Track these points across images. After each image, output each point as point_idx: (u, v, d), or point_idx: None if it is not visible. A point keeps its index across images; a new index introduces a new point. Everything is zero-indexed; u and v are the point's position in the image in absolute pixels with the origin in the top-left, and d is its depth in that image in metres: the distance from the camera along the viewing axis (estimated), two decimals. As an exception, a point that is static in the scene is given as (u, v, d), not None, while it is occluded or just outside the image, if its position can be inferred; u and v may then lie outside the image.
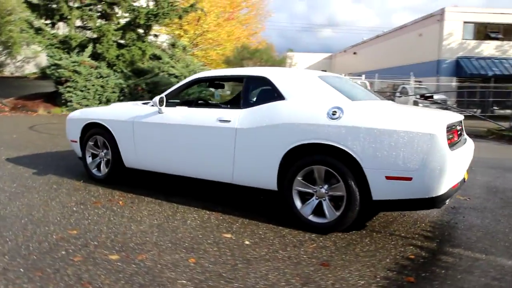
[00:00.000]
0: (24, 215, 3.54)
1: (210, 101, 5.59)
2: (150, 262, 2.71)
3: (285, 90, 3.58)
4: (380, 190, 3.10)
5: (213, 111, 3.92)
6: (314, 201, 3.39)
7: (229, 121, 3.70)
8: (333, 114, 3.23)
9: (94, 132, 4.75)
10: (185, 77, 18.54)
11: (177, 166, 4.13)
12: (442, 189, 2.98)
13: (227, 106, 4.14)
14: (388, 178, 3.05)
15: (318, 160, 3.30)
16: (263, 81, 3.79)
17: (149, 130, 4.22)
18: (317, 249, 3.01)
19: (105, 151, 4.75)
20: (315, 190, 3.38)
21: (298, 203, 3.43)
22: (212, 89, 10.04)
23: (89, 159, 4.87)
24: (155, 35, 19.83)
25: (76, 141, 4.99)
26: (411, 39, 28.80)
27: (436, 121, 3.01)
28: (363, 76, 23.43)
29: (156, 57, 18.69)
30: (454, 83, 23.61)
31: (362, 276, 2.60)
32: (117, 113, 4.57)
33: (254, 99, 3.83)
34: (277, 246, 3.06)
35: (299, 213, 3.42)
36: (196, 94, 12.52)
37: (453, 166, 2.97)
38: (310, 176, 3.39)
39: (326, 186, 3.34)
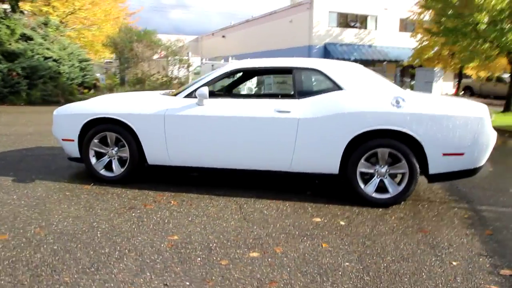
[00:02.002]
0: (101, 231, 3.11)
1: (247, 93, 5.44)
2: (293, 253, 2.78)
3: (341, 81, 3.87)
4: (436, 165, 3.71)
5: (265, 102, 3.97)
6: (376, 180, 3.82)
7: (289, 111, 3.82)
8: (397, 103, 3.68)
9: (103, 128, 4.24)
10: (64, 61, 16.67)
11: (223, 159, 4.05)
12: (483, 161, 3.74)
13: (277, 96, 4.19)
14: (444, 154, 3.67)
15: (383, 144, 3.72)
16: (315, 72, 4.00)
17: (188, 123, 4.01)
18: (400, 219, 3.47)
19: (115, 149, 4.30)
20: (376, 170, 3.81)
21: (361, 183, 3.82)
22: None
23: (93, 159, 4.34)
24: (22, 12, 17.10)
25: (72, 140, 4.37)
26: (282, 25, 30.82)
27: (481, 107, 3.72)
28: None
29: (26, 38, 16.26)
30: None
31: (453, 235, 3.17)
32: (138, 106, 4.17)
33: (308, 89, 4.00)
34: (370, 222, 3.41)
35: (363, 192, 3.81)
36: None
37: (494, 142, 3.74)
38: (370, 159, 3.80)
39: (386, 166, 3.80)
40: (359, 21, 28.90)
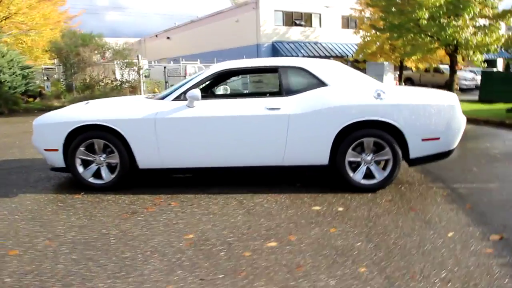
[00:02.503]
0: (113, 237, 3.10)
1: (232, 93, 5.46)
2: (307, 239, 2.97)
3: (325, 78, 4.11)
4: (416, 150, 4.06)
5: (254, 101, 4.11)
6: (363, 168, 4.11)
7: (279, 108, 4.00)
8: (378, 95, 3.99)
9: (90, 135, 4.17)
10: (4, 69, 15.68)
11: (218, 158, 4.15)
12: (456, 143, 4.15)
13: (265, 95, 4.34)
14: (423, 140, 4.03)
15: (368, 134, 4.01)
16: (300, 70, 4.20)
17: (180, 126, 4.05)
18: (390, 202, 3.78)
19: (103, 155, 4.25)
20: (362, 158, 4.10)
21: (350, 172, 4.09)
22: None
23: (80, 168, 4.25)
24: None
25: (55, 150, 4.24)
26: (229, 25, 30.94)
27: (451, 96, 4.12)
28: (198, 60, 24.27)
29: (-42, 45, 15.18)
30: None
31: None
32: (126, 112, 4.15)
33: (294, 87, 4.18)
34: (364, 206, 3.68)
35: (352, 180, 4.08)
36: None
37: (464, 126, 4.16)
38: (356, 148, 4.08)
39: (372, 154, 4.10)
40: (304, 19, 29.76)
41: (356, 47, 27.54)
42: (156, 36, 45.06)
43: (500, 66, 32.31)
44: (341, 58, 28.50)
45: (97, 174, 4.28)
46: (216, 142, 4.08)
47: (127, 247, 2.87)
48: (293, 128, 3.99)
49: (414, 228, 3.16)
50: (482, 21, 13.52)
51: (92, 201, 3.93)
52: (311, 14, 29.92)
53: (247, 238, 3.02)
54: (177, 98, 4.16)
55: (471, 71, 25.15)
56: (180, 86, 4.29)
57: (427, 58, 20.03)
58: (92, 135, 4.18)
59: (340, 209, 3.64)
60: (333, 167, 4.11)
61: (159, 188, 4.31)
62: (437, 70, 24.95)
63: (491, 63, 28.30)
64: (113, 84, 18.33)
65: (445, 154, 4.18)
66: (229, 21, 30.86)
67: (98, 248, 2.87)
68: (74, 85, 18.34)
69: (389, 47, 23.30)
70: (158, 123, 4.06)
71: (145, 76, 19.86)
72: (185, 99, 4.13)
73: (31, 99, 16.89)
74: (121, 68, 18.41)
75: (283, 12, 28.92)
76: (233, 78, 5.36)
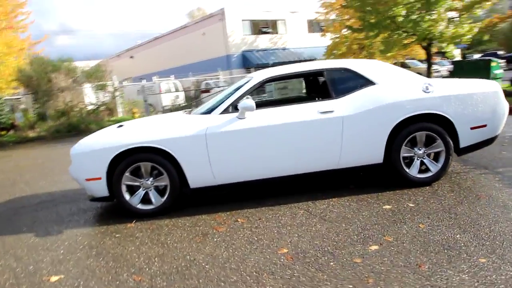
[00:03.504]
0: (204, 262, 2.93)
1: (280, 99, 5.31)
2: (404, 237, 2.92)
3: (372, 77, 4.12)
4: (466, 138, 4.12)
5: (305, 106, 4.05)
6: (416, 162, 4.13)
7: (332, 111, 3.96)
8: (427, 89, 4.03)
9: (136, 159, 3.96)
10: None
11: (272, 168, 4.04)
12: (501, 129, 4.26)
13: (314, 99, 4.26)
14: (472, 128, 4.10)
15: (421, 127, 4.04)
16: (346, 71, 4.19)
17: (232, 139, 3.92)
18: (453, 192, 3.81)
19: (150, 179, 4.05)
20: (415, 152, 4.12)
21: (405, 167, 4.10)
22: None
23: (127, 195, 4.03)
24: None
25: (98, 179, 4.00)
26: (195, 38, 30.82)
27: (493, 83, 4.23)
28: (173, 76, 23.94)
29: None
30: (245, 74, 27.01)
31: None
32: (174, 130, 3.97)
33: (343, 88, 4.15)
34: (432, 199, 3.68)
35: (409, 175, 4.09)
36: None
37: (507, 111, 4.27)
38: (408, 143, 4.10)
39: (424, 148, 4.13)
40: (271, 26, 30.10)
41: (323, 50, 28.11)
42: (118, 56, 44.15)
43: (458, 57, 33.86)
44: (311, 61, 28.99)
45: (144, 200, 4.07)
46: (271, 152, 3.98)
47: (227, 271, 2.72)
48: (348, 129, 3.96)
49: (498, 214, 3.19)
50: (452, 14, 14.09)
51: (151, 228, 3.72)
52: (277, 21, 30.33)
53: (344, 245, 2.93)
54: (225, 111, 4.03)
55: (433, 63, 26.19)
56: (224, 99, 4.17)
57: (397, 54, 20.68)
58: (138, 158, 3.97)
59: (411, 205, 3.62)
60: (388, 164, 4.10)
61: (210, 207, 4.15)
62: (404, 65, 25.82)
63: (443, 54, 29.65)
64: (87, 108, 17.72)
65: (491, 140, 4.27)
66: (195, 35, 30.73)
67: (197, 276, 2.70)
68: (47, 113, 17.57)
69: (358, 46, 23.94)
70: (210, 139, 3.91)
71: (121, 97, 19.35)
72: (233, 111, 4.02)
73: (4, 132, 16.02)
74: (95, 91, 17.83)
75: (250, 21, 29.14)
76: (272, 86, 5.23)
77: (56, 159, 9.15)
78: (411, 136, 4.05)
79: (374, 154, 4.06)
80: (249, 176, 4.07)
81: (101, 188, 4.03)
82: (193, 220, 3.82)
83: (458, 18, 13.72)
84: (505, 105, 4.20)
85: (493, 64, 14.21)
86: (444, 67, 25.00)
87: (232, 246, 3.13)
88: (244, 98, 4.05)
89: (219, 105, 4.12)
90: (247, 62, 28.48)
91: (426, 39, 13.85)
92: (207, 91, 21.48)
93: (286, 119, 3.94)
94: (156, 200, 4.05)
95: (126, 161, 3.96)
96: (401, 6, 12.67)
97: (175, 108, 17.98)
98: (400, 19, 13.01)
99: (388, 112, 3.97)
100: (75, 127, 15.28)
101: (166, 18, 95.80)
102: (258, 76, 4.21)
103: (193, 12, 59.15)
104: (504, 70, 17.68)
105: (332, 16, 25.50)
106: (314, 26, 31.24)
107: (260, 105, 4.03)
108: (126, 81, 28.06)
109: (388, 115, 3.97)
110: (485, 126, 4.13)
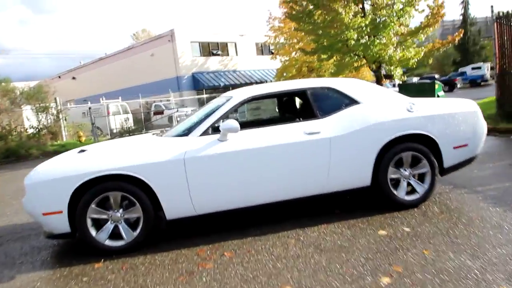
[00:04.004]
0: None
1: (260, 119, 4.91)
2: (416, 268, 2.73)
3: (356, 96, 3.99)
4: (449, 158, 4.09)
5: (289, 127, 3.81)
6: (403, 183, 4.02)
7: (319, 132, 3.75)
8: (411, 108, 3.97)
9: (104, 188, 3.49)
10: None
11: (257, 194, 3.73)
12: (481, 148, 4.28)
13: (296, 119, 4.01)
14: (454, 147, 4.08)
15: (407, 147, 3.94)
16: (330, 90, 4.02)
17: (213, 163, 3.58)
18: (443, 212, 3.72)
19: (120, 210, 3.58)
20: (401, 173, 4.01)
21: (392, 189, 3.96)
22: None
23: (92, 230, 3.52)
24: None
25: (59, 212, 3.47)
26: (143, 59, 30.00)
27: (472, 103, 4.26)
28: (120, 98, 23.00)
29: None
30: (195, 96, 26.64)
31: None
32: (147, 154, 3.55)
33: (327, 108, 3.96)
34: (427, 222, 3.55)
35: (396, 198, 3.95)
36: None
37: (486, 131, 4.30)
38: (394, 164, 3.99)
39: (409, 168, 4.03)
40: (221, 48, 30.13)
41: (272, 72, 28.55)
42: (59, 77, 41.94)
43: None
44: (261, 83, 29.29)
45: (113, 235, 3.58)
46: (256, 177, 3.67)
47: (230, 317, 2.34)
48: (335, 151, 3.77)
49: (497, 236, 3.10)
50: (398, 38, 14.82)
51: (124, 268, 3.24)
52: (227, 43, 30.43)
53: (352, 278, 2.67)
54: (205, 133, 3.69)
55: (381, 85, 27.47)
56: (202, 120, 3.83)
57: (347, 76, 21.39)
58: (106, 188, 3.49)
59: (407, 229, 3.46)
60: (375, 187, 3.95)
61: (188, 239, 3.74)
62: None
63: (391, 76, 31.31)
64: (28, 132, 16.37)
65: (471, 160, 4.28)
66: (143, 56, 29.96)
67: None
68: (-20, 137, 15.96)
69: (307, 68, 24.55)
70: (189, 164, 3.54)
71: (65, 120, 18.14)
72: (213, 133, 3.69)
73: None
74: (37, 113, 16.55)
75: (199, 43, 28.98)
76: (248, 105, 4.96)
77: (-6, 189, 8.15)
78: (397, 156, 3.94)
79: (362, 176, 3.90)
80: (232, 205, 3.72)
81: (61, 223, 3.49)
82: (172, 256, 3.39)
83: (404, 43, 14.42)
84: (484, 125, 4.25)
85: (436, 86, 15.11)
86: (389, 89, 26.23)
87: (226, 286, 2.75)
88: (225, 119, 3.75)
89: (197, 126, 3.77)
90: (198, 84, 28.16)
91: (376, 62, 14.39)
92: (160, 113, 20.81)
93: (271, 141, 3.68)
94: (127, 234, 3.57)
95: (92, 191, 3.47)
96: (352, 30, 13.09)
97: (125, 131, 17.14)
98: (352, 42, 13.44)
99: (376, 132, 3.84)
100: (14, 153, 13.96)
101: (108, 40, 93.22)
102: (239, 95, 3.92)
103: (138, 34, 58.07)
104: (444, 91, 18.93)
105: (281, 39, 26.05)
106: (264, 48, 31.74)
107: (241, 126, 3.73)
108: (69, 103, 26.61)
109: (375, 136, 3.84)
110: (466, 145, 4.14)
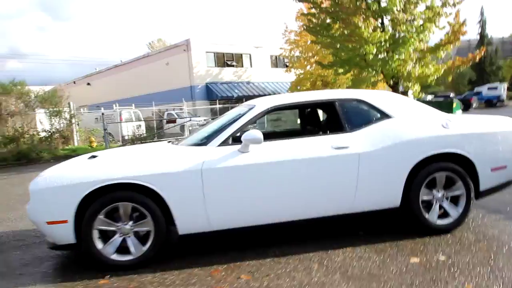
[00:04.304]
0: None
1: (283, 130, 4.67)
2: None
3: (388, 109, 3.71)
4: (486, 181, 3.77)
5: (316, 140, 3.54)
6: (435, 206, 3.70)
7: (347, 147, 3.48)
8: (447, 125, 3.67)
9: (114, 198, 3.24)
10: None
11: (279, 211, 3.45)
12: (521, 170, 3.95)
13: (325, 132, 3.75)
14: (492, 169, 3.76)
15: (442, 167, 3.63)
16: (359, 103, 3.75)
17: (233, 176, 3.31)
18: (481, 242, 3.38)
19: (130, 222, 3.33)
20: (434, 195, 3.70)
21: (424, 212, 3.65)
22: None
23: (99, 243, 3.27)
24: None
25: (64, 222, 3.22)
26: (158, 68, 30.11)
27: (511, 120, 3.95)
28: (133, 105, 22.99)
29: None
30: (208, 106, 26.55)
31: None
32: (162, 164, 3.30)
33: (357, 121, 3.69)
34: (463, 250, 3.23)
35: (427, 221, 3.63)
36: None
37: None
38: (427, 185, 3.68)
39: (443, 190, 3.72)
40: (235, 59, 30.12)
41: (286, 85, 28.40)
42: (74, 82, 42.36)
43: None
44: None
45: (121, 248, 3.32)
46: (278, 191, 3.40)
47: None
48: (364, 168, 3.48)
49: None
50: (417, 55, 14.54)
51: (131, 287, 2.96)
52: (241, 55, 30.42)
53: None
54: (224, 143, 3.44)
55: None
56: (221, 129, 3.58)
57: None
58: (116, 197, 3.25)
59: (442, 258, 3.14)
60: (405, 208, 3.64)
61: (201, 257, 3.46)
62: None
63: (405, 93, 30.94)
64: (40, 135, 16.32)
65: (510, 183, 3.95)
66: (158, 64, 30.08)
67: None
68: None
69: (321, 82, 24.34)
70: (206, 175, 3.28)
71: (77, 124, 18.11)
72: (233, 144, 3.44)
73: None
74: (50, 117, 16.51)
75: (214, 53, 29.00)
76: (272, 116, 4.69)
77: (1, 192, 7.98)
78: (430, 176, 3.63)
79: (391, 196, 3.60)
80: (251, 221, 3.45)
81: (66, 234, 3.24)
82: (183, 276, 3.10)
83: (423, 59, 14.12)
84: (524, 146, 3.92)
85: (454, 104, 14.72)
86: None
87: (244, 314, 2.46)
88: (247, 129, 3.50)
89: (216, 135, 3.52)
90: (211, 94, 28.10)
91: (394, 78, 14.11)
92: (173, 121, 20.69)
93: (296, 154, 3.40)
94: (136, 249, 3.31)
95: (101, 200, 3.23)
96: (371, 44, 12.85)
97: (137, 139, 17.01)
98: (371, 57, 13.20)
99: (408, 149, 3.55)
100: (25, 155, 13.89)
101: (124, 48, 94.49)
102: (262, 104, 3.67)
103: (153, 43, 58.67)
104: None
105: (296, 53, 25.94)
106: (278, 61, 31.67)
107: (266, 136, 3.47)
108: (82, 108, 26.74)
109: (408, 153, 3.55)
110: (505, 167, 3.82)
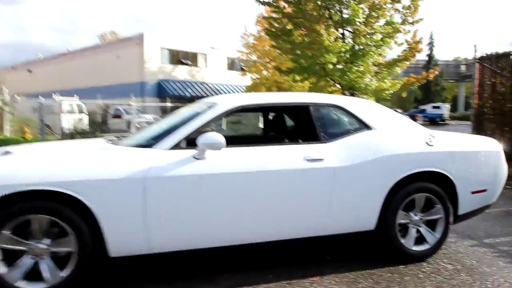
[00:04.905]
0: None
1: (246, 135, 3.95)
2: None
3: (369, 119, 3.25)
4: (465, 204, 3.42)
5: (287, 149, 3.00)
6: (412, 230, 3.29)
7: (322, 159, 2.96)
8: (430, 141, 3.28)
9: (25, 208, 2.49)
10: None
11: (238, 231, 2.86)
12: (498, 195, 3.66)
13: (296, 140, 3.20)
14: (472, 192, 3.42)
15: (421, 188, 3.24)
16: (338, 109, 3.26)
17: (184, 187, 2.68)
18: (460, 271, 3.01)
19: (47, 241, 2.59)
20: (411, 219, 3.29)
21: (399, 237, 3.22)
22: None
23: (1, 267, 2.50)
24: None
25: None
26: (109, 60, 28.43)
27: (494, 141, 3.64)
28: (75, 96, 21.38)
29: None
30: (159, 104, 25.41)
31: None
32: (88, 167, 2.60)
33: (333, 130, 3.19)
34: (445, 283, 2.82)
35: (403, 247, 3.21)
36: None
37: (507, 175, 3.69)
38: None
39: (420, 213, 3.32)
40: (191, 58, 29.19)
41: (241, 88, 27.96)
42: (13, 68, 39.19)
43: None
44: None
45: (32, 274, 2.56)
46: (239, 209, 2.81)
47: None
48: (340, 184, 2.99)
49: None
50: (375, 68, 14.62)
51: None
52: (197, 54, 29.57)
53: None
54: (176, 147, 2.79)
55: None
56: (174, 129, 2.93)
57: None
58: (30, 208, 2.50)
59: (420, 275, 2.71)
60: (380, 232, 3.19)
61: (135, 285, 2.78)
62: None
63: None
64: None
65: (486, 207, 3.65)
66: (108, 56, 28.42)
67: None
68: None
69: (277, 89, 24.13)
70: (150, 185, 2.62)
71: (10, 113, 16.41)
72: (187, 148, 2.81)
73: None
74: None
75: (169, 50, 27.92)
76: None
77: None
78: (410, 198, 3.22)
79: (367, 218, 3.14)
80: (203, 243, 2.82)
81: (-45, 253, 2.44)
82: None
83: (380, 74, 14.21)
84: (505, 168, 3.64)
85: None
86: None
87: None
88: (205, 130, 2.88)
89: (166, 137, 2.86)
90: (163, 92, 26.94)
91: (350, 89, 14.05)
92: (118, 116, 19.43)
93: (263, 165, 2.84)
94: (52, 275, 2.57)
95: (9, 211, 2.47)
96: (332, 54, 12.68)
97: (77, 133, 15.66)
98: (330, 66, 13.03)
99: (390, 166, 3.11)
100: None
101: (75, 39, 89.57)
102: (226, 102, 3.06)
103: (105, 35, 55.83)
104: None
105: (254, 57, 25.61)
106: (234, 64, 31.15)
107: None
108: (20, 96, 24.53)
109: (389, 169, 3.11)
110: (485, 191, 3.49)
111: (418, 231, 3.31)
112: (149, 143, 2.88)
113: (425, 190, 3.25)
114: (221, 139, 2.65)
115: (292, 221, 2.96)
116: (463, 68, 47.84)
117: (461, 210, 3.43)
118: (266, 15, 15.61)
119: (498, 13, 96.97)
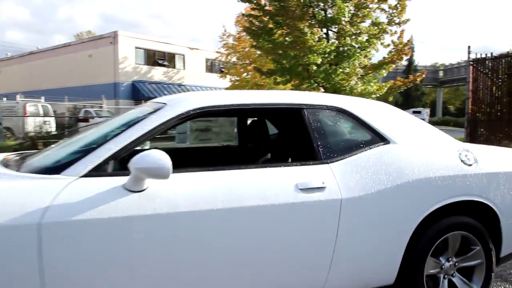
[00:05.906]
0: None
1: (211, 152, 2.90)
2: None
3: (386, 130, 2.31)
4: (509, 243, 2.55)
5: (270, 173, 2.03)
6: (444, 283, 2.38)
7: (323, 187, 2.01)
8: (467, 159, 2.38)
9: None
10: None
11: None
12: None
13: (284, 159, 2.24)
14: (518, 226, 2.55)
15: (456, 224, 2.34)
16: (342, 114, 2.30)
17: (106, 237, 1.69)
18: None
19: None
20: (442, 266, 2.38)
21: (428, 292, 2.31)
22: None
23: None
24: None
25: None
26: (81, 60, 26.93)
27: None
28: (43, 98, 19.95)
29: None
30: (133, 106, 24.13)
31: None
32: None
33: (338, 145, 2.23)
34: None
35: (433, 307, 2.30)
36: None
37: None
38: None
39: (453, 258, 2.42)
40: (168, 59, 28.00)
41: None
42: (-22, 67, 37.07)
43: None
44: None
45: None
46: (195, 271, 1.82)
47: None
48: (348, 224, 2.05)
49: None
50: (361, 71, 13.88)
51: None
52: (175, 55, 28.39)
53: None
54: (97, 170, 1.78)
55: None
56: (95, 144, 1.92)
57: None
58: None
59: None
60: (403, 286, 2.27)
61: None
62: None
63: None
64: None
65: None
66: (80, 55, 26.92)
67: None
68: None
69: (257, 92, 23.27)
70: (49, 235, 1.61)
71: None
72: (114, 173, 1.81)
73: None
74: None
75: (144, 50, 26.64)
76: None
77: None
78: (441, 238, 2.31)
79: (385, 270, 2.21)
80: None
81: None
82: None
83: (366, 77, 13.49)
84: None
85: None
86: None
87: None
88: (144, 145, 1.88)
89: (81, 157, 1.83)
90: (137, 93, 25.64)
91: (335, 92, 13.24)
92: (85, 120, 18.16)
93: (235, 199, 1.86)
94: None
95: None
96: (316, 54, 11.85)
97: (43, 137, 14.34)
98: (314, 67, 12.19)
99: (417, 196, 2.20)
100: None
101: (50, 37, 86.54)
102: (179, 103, 2.05)
103: (81, 35, 53.80)
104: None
105: (233, 58, 24.68)
106: (213, 66, 30.12)
107: (174, 163, 1.85)
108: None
109: (415, 201, 2.20)
110: (533, 225, 2.62)
111: (450, 282, 2.41)
112: (55, 167, 1.85)
113: (461, 227, 2.35)
114: (165, 161, 1.65)
115: (278, 279, 1.99)
116: (441, 73, 48.38)
117: (504, 251, 2.55)
118: (245, 12, 14.73)
119: (473, 19, 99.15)
